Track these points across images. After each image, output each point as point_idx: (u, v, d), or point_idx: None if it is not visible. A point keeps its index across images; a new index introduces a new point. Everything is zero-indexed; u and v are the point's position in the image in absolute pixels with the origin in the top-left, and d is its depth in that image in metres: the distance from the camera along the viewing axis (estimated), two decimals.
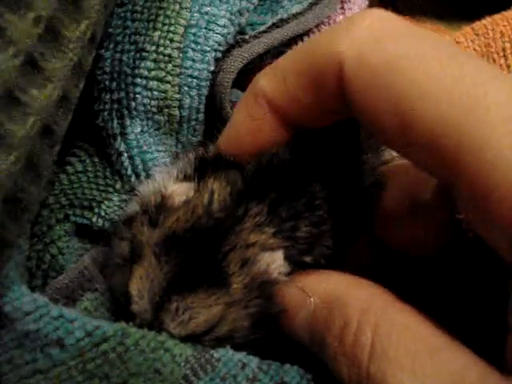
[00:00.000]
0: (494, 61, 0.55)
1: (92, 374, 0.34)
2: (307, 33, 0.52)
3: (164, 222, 0.37)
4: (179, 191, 0.38)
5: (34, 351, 0.35)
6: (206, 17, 0.46)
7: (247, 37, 0.48)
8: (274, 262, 0.38)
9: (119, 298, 0.40)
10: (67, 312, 0.35)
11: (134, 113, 0.45)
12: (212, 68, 0.46)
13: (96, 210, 0.46)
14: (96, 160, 0.48)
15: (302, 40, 0.53)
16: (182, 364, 0.36)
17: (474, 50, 0.55)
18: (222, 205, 0.37)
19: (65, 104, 0.40)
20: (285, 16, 0.50)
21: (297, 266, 0.38)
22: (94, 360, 0.34)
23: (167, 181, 0.39)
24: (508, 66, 0.55)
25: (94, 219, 0.46)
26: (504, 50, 0.55)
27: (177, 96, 0.45)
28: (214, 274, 0.36)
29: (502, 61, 0.55)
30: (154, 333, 0.37)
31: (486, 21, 0.55)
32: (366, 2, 0.58)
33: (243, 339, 0.39)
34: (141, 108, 0.45)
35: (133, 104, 0.45)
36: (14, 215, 0.38)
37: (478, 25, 0.56)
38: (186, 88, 0.45)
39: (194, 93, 0.46)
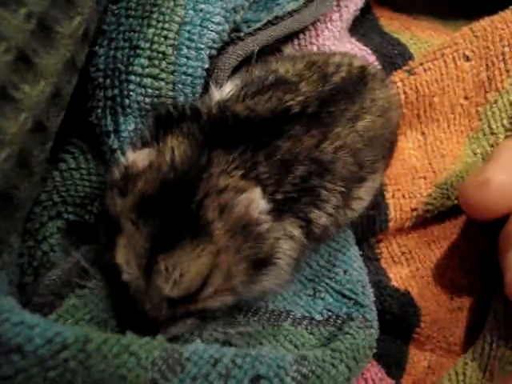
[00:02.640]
0: (494, 64, 0.55)
1: (55, 382, 0.33)
2: (303, 30, 0.52)
3: (133, 189, 0.38)
4: (141, 157, 0.39)
5: None
6: (201, 14, 0.46)
7: (242, 34, 0.48)
8: (252, 202, 0.38)
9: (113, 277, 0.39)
10: (29, 318, 0.34)
11: (128, 110, 0.45)
12: (206, 65, 0.46)
13: (88, 208, 0.45)
14: (89, 157, 0.47)
15: (298, 37, 0.52)
16: (149, 367, 0.35)
17: (473, 51, 0.54)
18: (183, 157, 0.38)
19: (57, 100, 0.40)
20: (280, 13, 0.49)
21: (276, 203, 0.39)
22: (55, 368, 0.33)
23: (128, 152, 0.40)
24: (507, 71, 0.55)
25: (87, 217, 0.45)
26: (503, 54, 0.54)
27: (171, 94, 0.45)
28: (194, 225, 0.37)
29: (502, 65, 0.54)
30: (118, 336, 0.36)
31: (485, 22, 0.55)
32: (363, 0, 0.58)
33: (246, 288, 0.39)
34: (134, 105, 0.45)
35: (126, 101, 0.45)
36: (5, 213, 0.38)
37: (476, 26, 0.55)
38: (180, 85, 0.45)
39: (188, 90, 0.45)
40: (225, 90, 0.43)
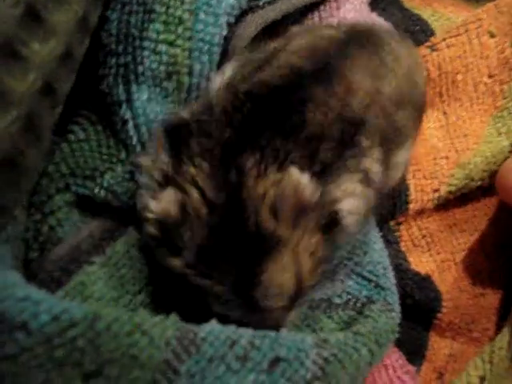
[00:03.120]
0: None
1: (62, 362, 0.31)
2: (324, 2, 0.50)
3: (184, 243, 0.36)
4: (166, 205, 0.36)
5: (2, 335, 0.31)
6: None
7: (261, 3, 0.45)
8: (297, 186, 0.36)
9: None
10: (34, 293, 0.32)
11: (141, 78, 0.43)
12: (225, 33, 0.43)
13: (98, 181, 0.43)
14: (99, 128, 0.45)
15: (319, 9, 0.50)
16: (162, 347, 0.33)
17: (497, 27, 0.52)
18: (212, 186, 0.36)
19: (68, 62, 0.38)
20: None
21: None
22: (62, 346, 0.31)
23: (146, 200, 0.38)
24: None
25: (96, 190, 0.43)
26: None
27: (187, 61, 0.43)
28: (261, 244, 0.35)
29: None
30: (129, 314, 0.34)
31: None
32: None
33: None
34: (148, 73, 0.43)
35: (140, 68, 0.42)
36: (11, 180, 0.36)
37: (501, 2, 0.53)
38: (196, 53, 0.43)
39: (205, 58, 0.43)
40: (226, 73, 0.41)
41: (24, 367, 0.31)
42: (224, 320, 0.37)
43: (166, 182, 0.37)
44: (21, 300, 0.31)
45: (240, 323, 0.36)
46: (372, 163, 0.40)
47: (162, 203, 0.36)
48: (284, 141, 0.36)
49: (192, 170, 0.36)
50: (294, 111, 0.38)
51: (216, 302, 0.37)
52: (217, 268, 0.35)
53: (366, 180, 0.39)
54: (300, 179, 0.36)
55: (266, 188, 0.35)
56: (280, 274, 0.35)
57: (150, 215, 0.36)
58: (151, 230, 0.37)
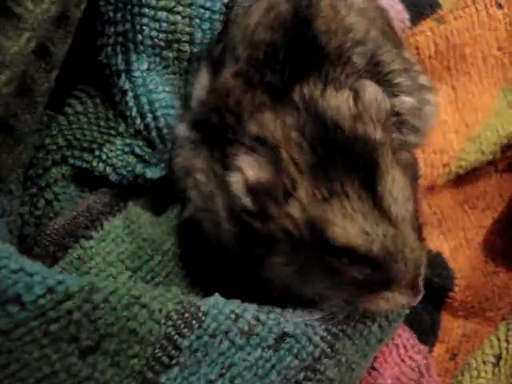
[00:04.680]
0: None
1: (57, 337, 0.30)
2: None
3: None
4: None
5: None
6: None
7: None
8: (377, 94, 0.36)
9: None
10: (28, 265, 0.30)
11: (141, 47, 0.41)
12: (226, 0, 0.42)
13: (97, 153, 0.41)
14: (98, 101, 0.43)
15: None
16: (163, 321, 0.32)
17: None
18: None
19: (64, 24, 0.36)
20: None
21: None
22: (57, 320, 0.30)
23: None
24: None
25: (95, 163, 0.41)
26: None
27: (187, 29, 0.41)
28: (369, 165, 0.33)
29: None
30: (128, 286, 0.32)
31: None
32: None
33: None
34: (148, 42, 0.41)
35: (139, 37, 0.41)
36: (5, 145, 0.34)
37: None
38: (197, 20, 0.41)
39: (206, 26, 0.42)
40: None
41: (18, 343, 0.29)
42: (227, 294, 0.35)
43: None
44: (14, 272, 0.30)
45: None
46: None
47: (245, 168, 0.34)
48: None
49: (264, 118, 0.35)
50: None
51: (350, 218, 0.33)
52: (339, 182, 0.33)
53: None
54: (376, 89, 0.36)
55: (341, 101, 0.35)
56: (395, 173, 0.34)
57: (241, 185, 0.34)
58: (243, 200, 0.34)
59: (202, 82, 0.40)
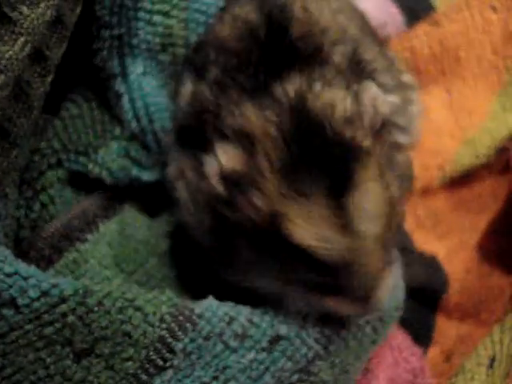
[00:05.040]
0: None
1: (52, 340, 0.30)
2: None
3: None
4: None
5: None
6: None
7: None
8: (377, 98, 0.35)
9: None
10: (23, 268, 0.31)
11: (136, 51, 0.41)
12: (222, 3, 0.42)
13: (92, 157, 0.41)
14: (93, 104, 0.43)
15: None
16: (157, 324, 0.32)
17: (500, 2, 0.51)
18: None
19: (59, 28, 0.36)
20: None
21: None
22: (52, 324, 0.30)
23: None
24: None
25: (90, 166, 0.41)
26: None
27: (183, 33, 0.42)
28: (353, 152, 0.32)
29: None
30: (122, 290, 0.32)
31: None
32: None
33: None
34: (143, 45, 0.41)
35: (135, 41, 0.41)
36: (0, 148, 0.34)
37: None
38: (193, 24, 0.42)
39: (201, 30, 0.42)
40: None
41: (13, 346, 0.30)
42: (221, 297, 0.35)
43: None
44: (9, 275, 0.30)
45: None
46: None
47: (220, 156, 0.33)
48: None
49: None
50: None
51: (309, 227, 0.32)
52: (307, 183, 0.32)
53: None
54: (377, 93, 0.35)
55: (334, 99, 0.34)
56: (371, 186, 0.32)
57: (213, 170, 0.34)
58: (217, 187, 0.34)
59: (185, 90, 0.40)
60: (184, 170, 0.37)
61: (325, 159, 0.31)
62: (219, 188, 0.33)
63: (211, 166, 0.34)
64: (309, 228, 0.31)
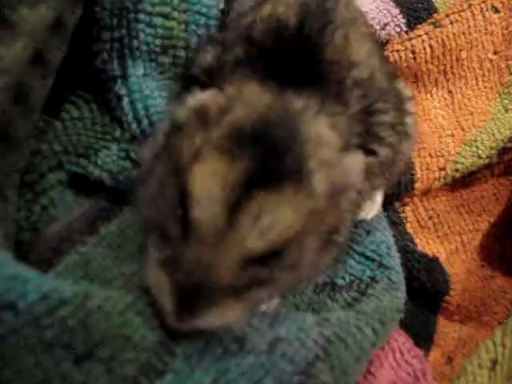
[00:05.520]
0: None
1: (52, 344, 0.30)
2: None
3: (221, 120, 0.32)
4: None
5: None
6: None
7: None
8: (357, 167, 0.34)
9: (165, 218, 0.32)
10: (23, 271, 0.30)
11: (137, 53, 0.41)
12: (222, 6, 0.42)
13: (92, 159, 0.41)
14: (94, 107, 0.43)
15: None
16: (157, 327, 0.32)
17: (501, 2, 0.51)
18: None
19: (59, 31, 0.36)
20: None
21: None
22: (52, 327, 0.30)
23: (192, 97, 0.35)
24: None
25: (90, 168, 0.41)
26: None
27: (183, 35, 0.41)
28: (297, 170, 0.31)
29: None
30: (122, 293, 0.32)
31: None
32: None
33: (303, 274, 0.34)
34: (143, 47, 0.41)
35: (135, 43, 0.41)
36: (1, 151, 0.34)
37: None
38: (193, 26, 0.41)
39: (202, 32, 0.42)
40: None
41: (12, 349, 0.29)
42: None
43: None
44: (8, 278, 0.30)
45: None
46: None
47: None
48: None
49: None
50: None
51: None
52: (239, 152, 0.30)
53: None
54: (361, 170, 0.34)
55: (329, 141, 0.33)
56: (288, 212, 0.30)
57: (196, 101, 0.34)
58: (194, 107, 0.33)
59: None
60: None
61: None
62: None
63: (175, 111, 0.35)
64: (206, 182, 0.30)
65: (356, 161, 0.34)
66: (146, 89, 0.42)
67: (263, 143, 0.31)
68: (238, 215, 0.29)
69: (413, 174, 0.49)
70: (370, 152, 0.38)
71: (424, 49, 0.50)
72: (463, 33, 0.51)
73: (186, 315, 0.30)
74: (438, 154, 0.49)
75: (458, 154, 0.49)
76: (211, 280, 0.29)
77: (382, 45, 0.51)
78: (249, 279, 0.31)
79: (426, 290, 0.48)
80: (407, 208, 0.50)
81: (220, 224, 0.29)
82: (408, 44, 0.50)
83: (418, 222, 0.50)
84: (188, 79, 0.41)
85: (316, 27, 0.37)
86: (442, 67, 0.51)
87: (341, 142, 0.34)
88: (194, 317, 0.30)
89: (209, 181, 0.30)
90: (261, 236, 0.29)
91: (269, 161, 0.30)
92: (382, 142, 0.40)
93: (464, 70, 0.51)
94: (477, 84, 0.52)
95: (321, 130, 0.33)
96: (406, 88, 0.46)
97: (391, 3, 0.52)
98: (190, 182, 0.30)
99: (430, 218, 0.50)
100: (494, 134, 0.50)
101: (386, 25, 0.51)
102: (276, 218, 0.29)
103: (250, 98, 0.33)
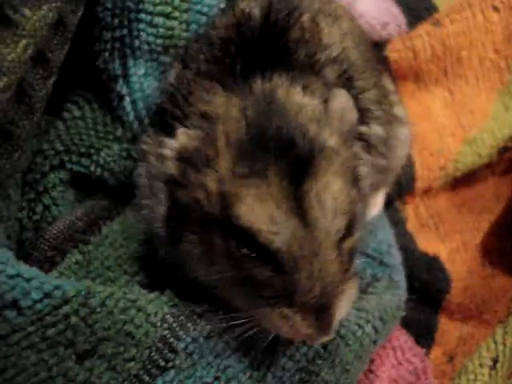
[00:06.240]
0: None
1: (55, 341, 0.30)
2: None
3: (220, 149, 0.32)
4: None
5: None
6: None
7: None
8: (347, 102, 0.35)
9: None
10: (25, 270, 0.31)
11: (138, 53, 0.41)
12: (223, 5, 0.42)
13: (94, 158, 0.42)
14: (95, 106, 0.43)
15: None
16: (159, 324, 0.32)
17: (501, 2, 0.51)
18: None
19: (61, 31, 0.37)
20: None
21: None
22: (55, 325, 0.30)
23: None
24: None
25: (92, 168, 0.42)
26: None
27: (184, 34, 0.42)
28: (312, 148, 0.31)
29: None
30: (124, 290, 0.32)
31: None
32: None
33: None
34: (145, 47, 0.41)
35: (136, 42, 0.41)
36: (3, 150, 0.35)
37: None
38: (194, 26, 0.42)
39: (202, 31, 0.42)
40: None
41: (16, 348, 0.30)
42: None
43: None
44: (11, 277, 0.30)
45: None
46: None
47: (180, 138, 0.33)
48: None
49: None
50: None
51: (266, 219, 0.30)
52: (263, 164, 0.30)
53: None
54: (347, 101, 0.34)
55: (306, 102, 0.33)
56: (333, 180, 0.31)
57: (169, 151, 0.33)
58: (171, 167, 0.33)
59: (171, 75, 0.41)
60: (146, 154, 0.37)
61: (285, 146, 0.30)
62: (173, 168, 0.33)
63: (169, 148, 0.33)
64: (259, 208, 0.29)
65: (341, 97, 0.34)
66: (147, 88, 0.42)
67: (272, 139, 0.31)
68: (306, 215, 0.29)
69: (413, 173, 0.49)
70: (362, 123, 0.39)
71: (424, 48, 0.50)
72: (463, 32, 0.51)
73: (327, 328, 0.30)
74: (439, 153, 0.49)
75: (459, 153, 0.49)
76: (330, 281, 0.29)
77: (382, 44, 0.51)
78: (348, 255, 0.31)
79: (426, 289, 0.48)
80: (408, 207, 0.50)
81: (299, 233, 0.29)
82: (409, 43, 0.51)
83: (418, 220, 0.50)
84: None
85: (282, 14, 0.38)
86: (443, 66, 0.51)
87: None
88: (334, 321, 0.30)
89: (263, 207, 0.29)
90: (335, 213, 0.30)
91: (288, 150, 0.30)
92: (371, 116, 0.40)
93: (464, 69, 0.52)
94: (477, 83, 0.52)
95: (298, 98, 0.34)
96: (389, 83, 0.47)
97: (392, 3, 0.52)
98: (247, 223, 0.29)
99: (431, 216, 0.50)
100: (494, 133, 0.50)
101: (386, 24, 0.51)
102: (332, 192, 0.30)
103: (226, 111, 0.33)
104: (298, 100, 0.33)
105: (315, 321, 0.29)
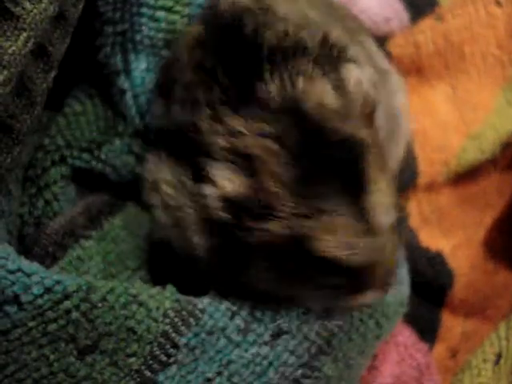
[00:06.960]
0: None
1: (56, 337, 0.30)
2: None
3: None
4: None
5: None
6: None
7: None
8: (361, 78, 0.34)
9: None
10: (26, 265, 0.31)
11: (140, 47, 0.41)
12: None
13: (96, 153, 0.41)
14: (97, 101, 0.43)
15: None
16: (160, 319, 0.32)
17: None
18: None
19: (62, 24, 0.36)
20: None
21: None
22: (56, 320, 0.30)
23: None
24: None
25: (94, 163, 0.41)
26: None
27: None
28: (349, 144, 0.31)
29: None
30: (125, 285, 0.32)
31: None
32: None
33: None
34: (147, 41, 0.41)
35: (138, 37, 0.41)
36: (4, 145, 0.34)
37: None
38: (196, 19, 0.41)
39: None
40: None
41: (16, 343, 0.30)
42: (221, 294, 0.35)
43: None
44: (12, 272, 0.30)
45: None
46: None
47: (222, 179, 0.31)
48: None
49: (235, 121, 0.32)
50: None
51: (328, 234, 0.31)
52: (324, 197, 0.30)
53: None
54: (360, 75, 0.34)
55: (320, 96, 0.32)
56: (379, 178, 0.31)
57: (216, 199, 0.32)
58: (221, 213, 0.32)
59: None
60: (159, 183, 0.36)
61: (335, 164, 0.31)
62: (224, 215, 0.32)
63: (210, 192, 0.32)
64: (334, 240, 0.30)
65: (354, 70, 0.34)
66: (148, 83, 0.42)
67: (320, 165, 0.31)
68: (371, 225, 0.31)
69: (416, 169, 0.49)
70: None
71: (427, 43, 0.50)
72: (466, 27, 0.50)
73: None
74: (442, 148, 0.49)
75: (462, 148, 0.49)
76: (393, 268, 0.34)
77: (384, 40, 0.51)
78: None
79: (429, 285, 0.48)
80: (411, 202, 0.50)
81: (371, 245, 0.31)
82: (411, 39, 0.50)
83: (421, 216, 0.50)
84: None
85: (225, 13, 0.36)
86: (445, 62, 0.51)
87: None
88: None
89: (338, 237, 0.31)
90: (388, 210, 0.32)
91: (339, 167, 0.31)
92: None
93: (467, 65, 0.51)
94: (479, 78, 0.52)
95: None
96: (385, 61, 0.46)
97: None
98: (324, 254, 0.31)
99: (434, 212, 0.50)
100: (497, 129, 0.49)
101: (389, 20, 0.51)
102: (383, 194, 0.32)
103: (259, 145, 0.31)
104: (314, 95, 0.32)
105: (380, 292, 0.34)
